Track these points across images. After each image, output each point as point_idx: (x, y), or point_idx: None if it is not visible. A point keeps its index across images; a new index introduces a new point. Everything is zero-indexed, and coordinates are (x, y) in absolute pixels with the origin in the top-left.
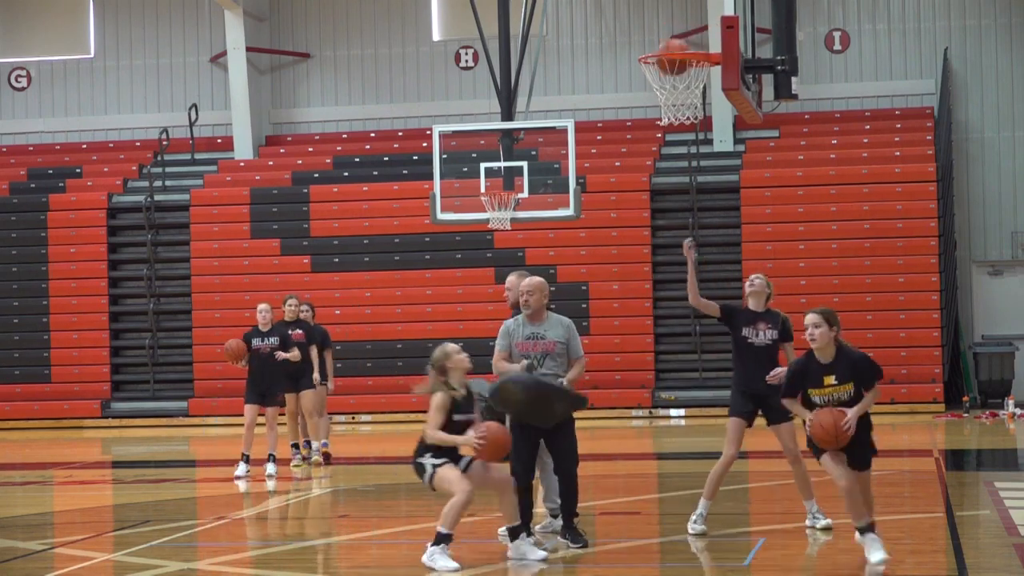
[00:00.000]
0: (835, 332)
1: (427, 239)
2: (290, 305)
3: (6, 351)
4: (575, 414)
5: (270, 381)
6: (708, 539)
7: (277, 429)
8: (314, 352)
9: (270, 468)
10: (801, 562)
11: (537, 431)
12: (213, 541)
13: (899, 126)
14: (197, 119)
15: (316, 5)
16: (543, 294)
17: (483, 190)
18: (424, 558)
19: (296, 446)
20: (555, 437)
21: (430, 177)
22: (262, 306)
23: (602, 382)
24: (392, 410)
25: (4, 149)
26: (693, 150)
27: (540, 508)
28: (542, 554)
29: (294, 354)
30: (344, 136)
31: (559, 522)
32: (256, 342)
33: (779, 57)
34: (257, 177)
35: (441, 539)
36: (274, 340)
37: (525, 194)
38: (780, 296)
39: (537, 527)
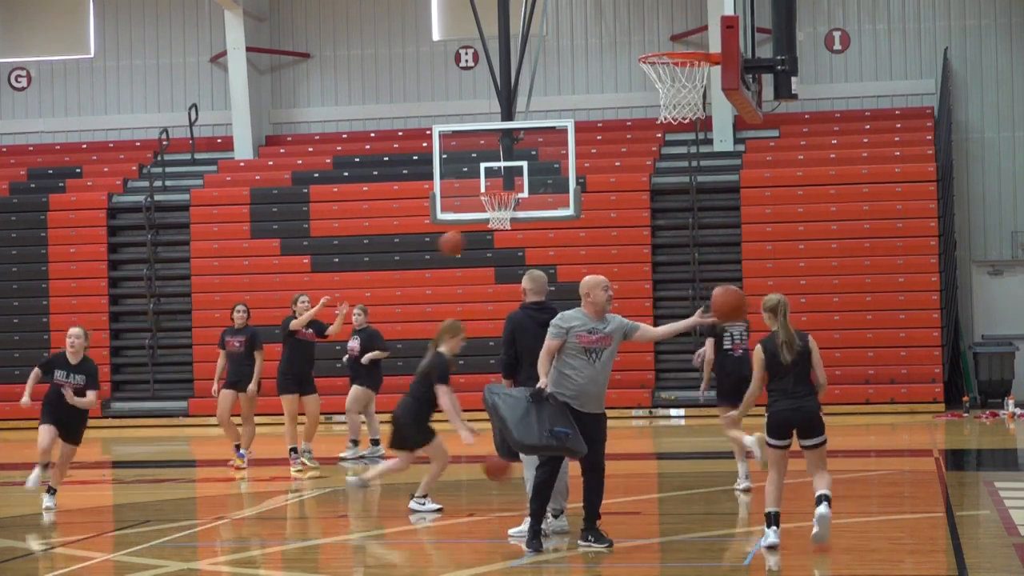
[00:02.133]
0: None
1: (427, 239)
2: (239, 312)
3: (6, 351)
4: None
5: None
6: (708, 539)
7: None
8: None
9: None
10: (801, 562)
11: (582, 434)
12: (213, 541)
13: (899, 126)
14: (197, 119)
15: (316, 5)
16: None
17: (483, 190)
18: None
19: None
20: (593, 443)
21: (430, 177)
22: None
23: None
24: (392, 410)
25: (4, 149)
26: (693, 150)
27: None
28: None
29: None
30: (344, 136)
31: (559, 523)
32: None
33: (779, 57)
34: (257, 177)
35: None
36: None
37: (525, 194)
38: None
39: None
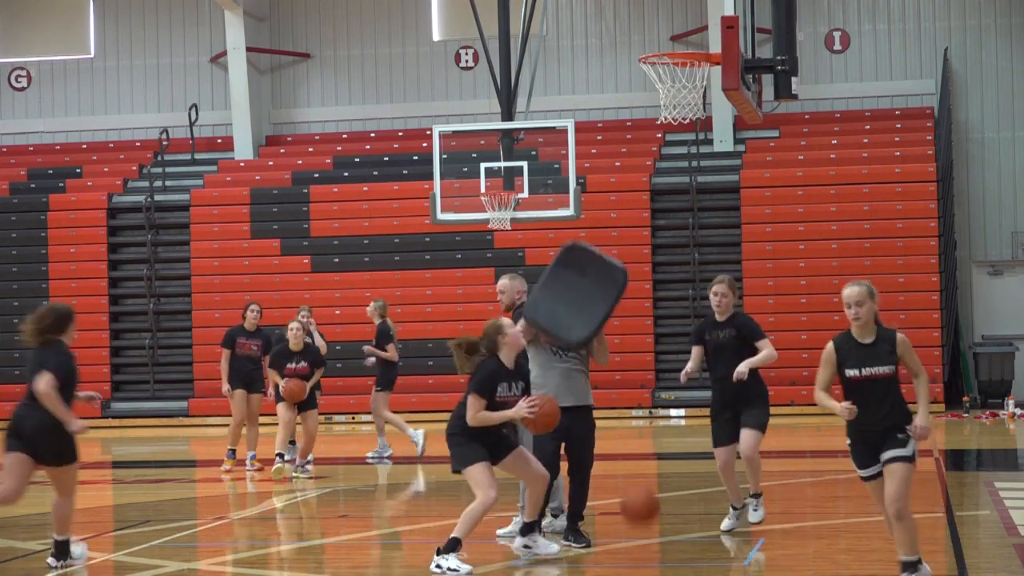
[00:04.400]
0: None
1: (427, 239)
2: (253, 312)
3: (6, 351)
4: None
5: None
6: (708, 539)
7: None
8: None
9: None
10: (801, 562)
11: (560, 429)
12: (213, 541)
13: (899, 126)
14: (197, 119)
15: (316, 5)
16: None
17: (483, 190)
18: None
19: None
20: (574, 439)
21: (430, 177)
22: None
23: (602, 382)
24: (392, 410)
25: (4, 149)
26: (693, 150)
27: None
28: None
29: None
30: (344, 136)
31: (560, 522)
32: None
33: (779, 57)
34: (257, 177)
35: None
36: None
37: (525, 194)
38: (780, 296)
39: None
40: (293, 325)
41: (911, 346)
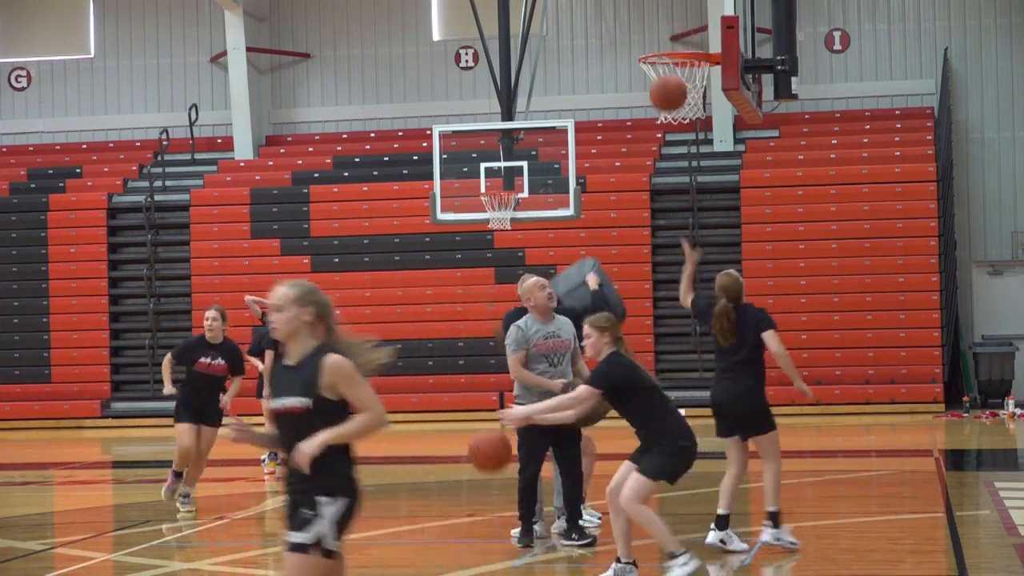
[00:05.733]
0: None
1: (427, 239)
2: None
3: (6, 351)
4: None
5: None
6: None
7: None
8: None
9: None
10: (801, 562)
11: (550, 431)
12: (213, 541)
13: (899, 126)
14: (197, 119)
15: (316, 5)
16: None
17: (483, 190)
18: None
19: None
20: (563, 439)
21: (430, 177)
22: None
23: None
24: (392, 410)
25: (4, 149)
26: (693, 150)
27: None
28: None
29: None
30: (344, 136)
31: (561, 522)
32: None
33: (779, 57)
34: (257, 177)
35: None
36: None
37: (525, 194)
38: (780, 296)
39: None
40: (210, 314)
41: (350, 374)
